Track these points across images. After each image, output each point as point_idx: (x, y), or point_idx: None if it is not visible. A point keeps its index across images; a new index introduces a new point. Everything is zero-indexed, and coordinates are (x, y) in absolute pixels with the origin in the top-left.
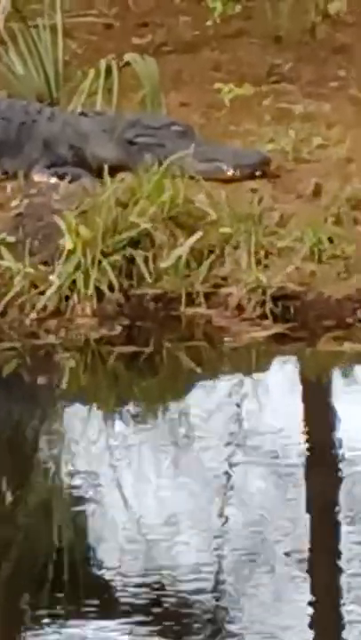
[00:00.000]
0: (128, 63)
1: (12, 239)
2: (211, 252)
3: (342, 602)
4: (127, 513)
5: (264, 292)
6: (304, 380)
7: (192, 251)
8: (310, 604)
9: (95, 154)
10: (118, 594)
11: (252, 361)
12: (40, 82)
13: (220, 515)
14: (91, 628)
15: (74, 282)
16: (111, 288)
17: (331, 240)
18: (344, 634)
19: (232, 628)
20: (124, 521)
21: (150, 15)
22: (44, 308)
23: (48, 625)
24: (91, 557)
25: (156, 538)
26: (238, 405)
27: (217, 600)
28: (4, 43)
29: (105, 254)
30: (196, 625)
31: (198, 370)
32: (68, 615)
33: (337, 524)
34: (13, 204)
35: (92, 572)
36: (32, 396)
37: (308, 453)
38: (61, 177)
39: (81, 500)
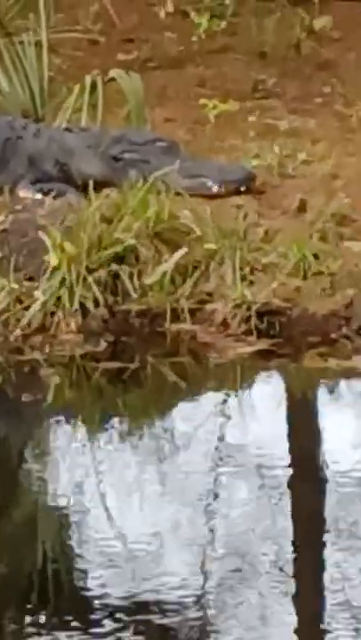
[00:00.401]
0: (113, 79)
1: None
2: (196, 267)
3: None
4: (111, 529)
5: (249, 308)
6: (289, 396)
7: (177, 266)
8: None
9: (80, 170)
10: (99, 613)
11: (238, 377)
12: (25, 98)
13: (206, 532)
14: None
15: (59, 298)
16: (96, 304)
17: (316, 256)
18: None
19: None
20: (108, 538)
21: (135, 31)
22: (29, 323)
23: None
24: (73, 576)
25: (139, 556)
26: (223, 421)
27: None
28: None
29: (90, 270)
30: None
31: (183, 386)
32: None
33: (323, 542)
34: None
35: (74, 593)
36: (17, 411)
37: (292, 469)
38: (46, 193)
39: (65, 516)
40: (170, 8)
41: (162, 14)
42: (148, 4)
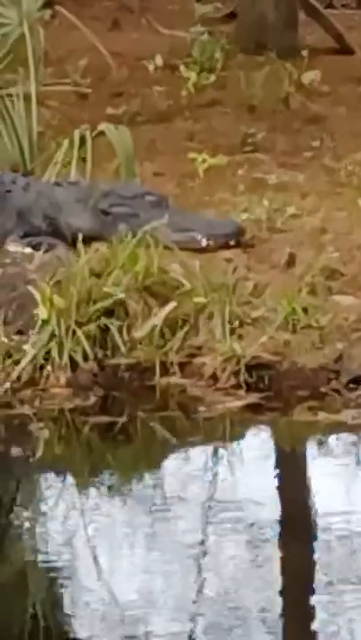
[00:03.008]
0: (102, 133)
1: None
2: (185, 321)
3: None
4: (99, 587)
5: (238, 362)
6: (279, 451)
7: (166, 320)
8: None
9: (69, 224)
10: None
11: (227, 431)
12: (14, 152)
13: (195, 590)
14: None
15: (48, 352)
16: (85, 358)
17: (305, 310)
18: None
19: None
20: (98, 596)
21: (124, 85)
22: (19, 377)
23: None
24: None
25: (127, 615)
26: (213, 476)
27: None
28: None
29: (79, 324)
30: None
31: (173, 440)
32: None
33: (311, 596)
34: None
35: None
36: (5, 466)
37: (282, 525)
38: (36, 247)
39: (53, 573)
40: (159, 62)
41: (151, 68)
42: (138, 59)
